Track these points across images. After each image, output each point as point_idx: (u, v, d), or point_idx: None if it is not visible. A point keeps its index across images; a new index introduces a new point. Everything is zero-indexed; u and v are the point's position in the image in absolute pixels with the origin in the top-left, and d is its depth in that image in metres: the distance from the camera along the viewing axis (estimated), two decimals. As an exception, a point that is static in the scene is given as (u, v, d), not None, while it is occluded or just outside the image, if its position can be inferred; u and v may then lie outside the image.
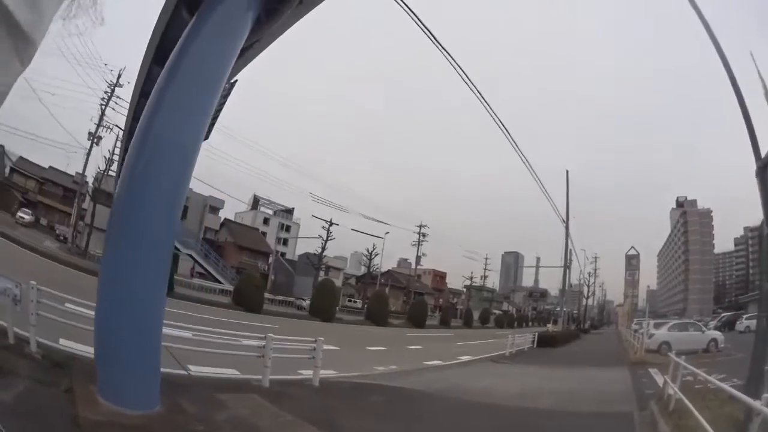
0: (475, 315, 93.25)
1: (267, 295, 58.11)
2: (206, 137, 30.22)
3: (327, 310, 48.37)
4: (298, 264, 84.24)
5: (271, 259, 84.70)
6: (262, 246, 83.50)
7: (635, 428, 12.49)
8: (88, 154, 54.58)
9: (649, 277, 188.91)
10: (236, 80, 30.38)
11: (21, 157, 79.01)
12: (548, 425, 13.38)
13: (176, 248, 57.69)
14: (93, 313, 8.82)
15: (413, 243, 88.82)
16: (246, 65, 15.92)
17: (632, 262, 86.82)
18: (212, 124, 32.80)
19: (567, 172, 60.97)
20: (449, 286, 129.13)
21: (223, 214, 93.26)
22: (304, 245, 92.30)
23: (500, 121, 27.78)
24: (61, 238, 60.05)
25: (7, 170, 77.22)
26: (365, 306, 65.81)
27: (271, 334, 13.01)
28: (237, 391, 11.64)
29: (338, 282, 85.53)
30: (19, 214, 62.05)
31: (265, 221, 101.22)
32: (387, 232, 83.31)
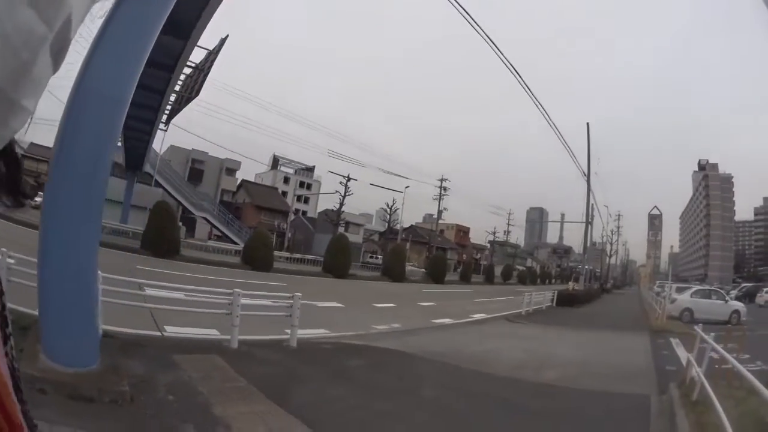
0: (498, 271, 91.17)
1: (284, 253, 59.05)
2: (196, 94, 28.26)
3: (340, 266, 46.76)
4: (318, 222, 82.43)
5: (290, 218, 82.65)
6: (281, 205, 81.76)
7: (650, 419, 10.24)
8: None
9: (671, 239, 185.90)
10: (227, 35, 29.78)
11: (32, 143, 76.50)
12: (542, 406, 11.15)
13: (189, 212, 60.14)
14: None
15: (435, 197, 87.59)
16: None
17: (655, 222, 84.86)
18: (202, 81, 31.36)
19: (587, 124, 59.72)
20: (473, 241, 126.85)
21: (244, 176, 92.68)
22: (326, 203, 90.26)
23: (521, 78, 26.59)
24: None
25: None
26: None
27: (239, 290, 12.27)
28: (202, 351, 11.30)
29: (359, 238, 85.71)
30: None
31: (285, 180, 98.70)
32: (407, 186, 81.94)
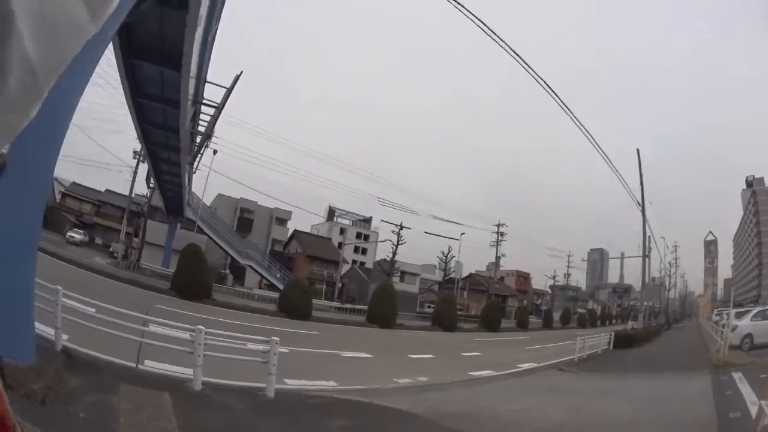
0: (558, 316, 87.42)
1: (334, 303, 58.76)
2: (211, 132, 26.42)
3: (385, 315, 43.39)
4: (372, 272, 79.50)
5: (343, 268, 79.98)
6: (333, 255, 79.07)
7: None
8: (135, 172, 53.63)
9: (727, 265, 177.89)
10: (241, 72, 28.76)
11: (74, 183, 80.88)
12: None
13: (233, 258, 60.41)
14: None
15: (491, 243, 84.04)
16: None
17: (710, 248, 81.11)
18: (216, 118, 29.63)
19: (638, 150, 54.89)
20: (535, 287, 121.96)
21: (301, 227, 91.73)
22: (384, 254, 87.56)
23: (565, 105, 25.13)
24: (114, 254, 58.91)
25: (58, 195, 78.09)
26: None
27: (201, 327, 11.34)
28: (160, 388, 10.36)
29: (415, 288, 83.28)
30: (69, 233, 62.31)
31: (341, 231, 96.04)
32: (462, 233, 79.49)
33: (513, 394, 17.32)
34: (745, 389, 15.38)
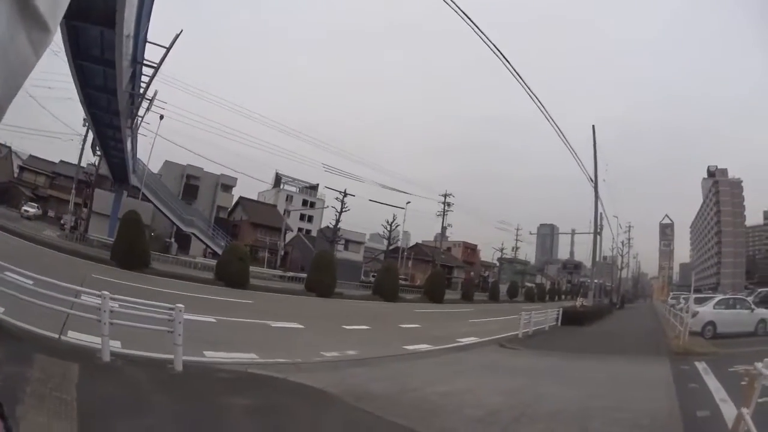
0: (505, 289, 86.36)
1: (276, 271, 59.45)
2: (145, 92, 29.19)
3: (324, 284, 42.11)
4: (317, 240, 78.03)
5: (288, 236, 79.79)
6: (279, 223, 77.52)
7: None
8: (84, 140, 51.73)
9: (682, 249, 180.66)
10: (181, 31, 28.42)
11: (31, 155, 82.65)
12: None
13: (178, 227, 59.74)
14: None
15: (438, 213, 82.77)
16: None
17: (666, 231, 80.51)
18: (153, 76, 29.43)
19: (593, 127, 54.02)
20: (483, 259, 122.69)
21: (249, 195, 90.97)
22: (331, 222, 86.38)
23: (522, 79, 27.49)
24: (64, 226, 57.87)
25: (16, 170, 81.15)
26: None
27: (107, 293, 10.74)
28: (75, 359, 10.01)
29: (359, 256, 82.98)
30: (24, 208, 63.24)
31: (288, 199, 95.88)
32: (408, 202, 78.33)
33: (446, 372, 15.63)
34: (713, 384, 13.87)
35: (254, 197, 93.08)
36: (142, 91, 30.56)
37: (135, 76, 28.65)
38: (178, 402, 9.36)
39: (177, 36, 28.12)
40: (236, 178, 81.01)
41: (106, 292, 10.74)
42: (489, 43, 24.55)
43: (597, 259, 58.23)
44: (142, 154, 54.12)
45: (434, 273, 62.02)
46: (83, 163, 57.02)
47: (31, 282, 11.34)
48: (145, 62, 28.61)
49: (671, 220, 79.78)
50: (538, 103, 31.29)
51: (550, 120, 35.18)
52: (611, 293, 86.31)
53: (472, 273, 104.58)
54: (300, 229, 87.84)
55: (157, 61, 28.29)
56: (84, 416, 7.32)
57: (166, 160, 75.15)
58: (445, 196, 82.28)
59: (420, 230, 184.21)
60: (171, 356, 10.94)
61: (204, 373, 11.58)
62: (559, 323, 33.66)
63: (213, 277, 38.07)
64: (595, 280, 60.56)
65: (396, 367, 15.59)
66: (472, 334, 25.73)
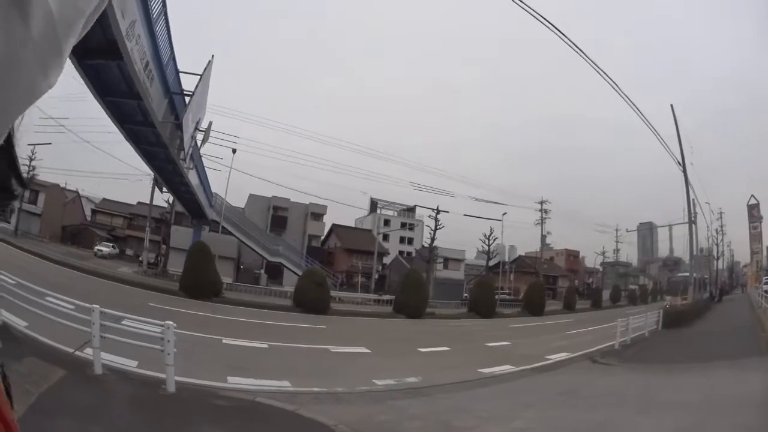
0: (607, 294, 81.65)
1: (370, 295, 56.73)
2: (180, 117, 26.59)
3: (413, 305, 39.55)
4: (415, 261, 75.45)
5: (384, 259, 78.69)
6: (374, 247, 75.09)
7: None
8: (155, 179, 50.28)
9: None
10: (213, 57, 28.77)
11: (104, 199, 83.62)
12: None
13: (262, 256, 59.46)
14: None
15: (536, 222, 79.59)
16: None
17: (753, 212, 74.07)
18: (189, 104, 27.21)
19: (672, 106, 50.20)
20: (588, 265, 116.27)
21: (346, 222, 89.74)
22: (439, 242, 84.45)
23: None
24: (142, 263, 58.36)
25: (88, 213, 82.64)
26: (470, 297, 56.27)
27: (98, 306, 10.58)
28: (65, 368, 10.01)
29: (460, 274, 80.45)
30: (98, 248, 61.91)
31: (386, 223, 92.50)
32: (504, 213, 74.39)
33: (511, 405, 12.75)
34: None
35: (351, 224, 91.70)
36: (182, 119, 29.03)
37: (175, 108, 27.45)
38: (142, 426, 8.94)
39: (209, 63, 28.02)
40: (326, 206, 79.71)
41: (96, 306, 10.71)
42: (569, 42, 23.10)
43: (694, 251, 54.11)
44: (220, 188, 54.08)
45: (532, 285, 58.64)
46: (162, 202, 57.07)
47: (71, 307, 11.37)
48: (185, 93, 27.62)
49: (757, 199, 73.58)
50: (618, 90, 28.40)
51: (632, 105, 32.21)
52: (708, 286, 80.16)
53: (576, 281, 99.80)
54: (401, 252, 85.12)
55: (190, 90, 27.44)
56: (33, 408, 7.43)
57: (250, 194, 74.66)
58: (541, 203, 78.89)
59: (524, 242, 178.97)
60: (159, 375, 10.54)
61: (196, 398, 10.71)
62: (660, 327, 30.50)
63: (291, 303, 36.34)
64: (694, 275, 55.34)
65: (454, 398, 13.05)
66: (564, 349, 23.21)
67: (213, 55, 28.42)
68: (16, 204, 64.43)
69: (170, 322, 10.59)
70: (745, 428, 9.36)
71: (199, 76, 26.93)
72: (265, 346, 17.98)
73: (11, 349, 9.82)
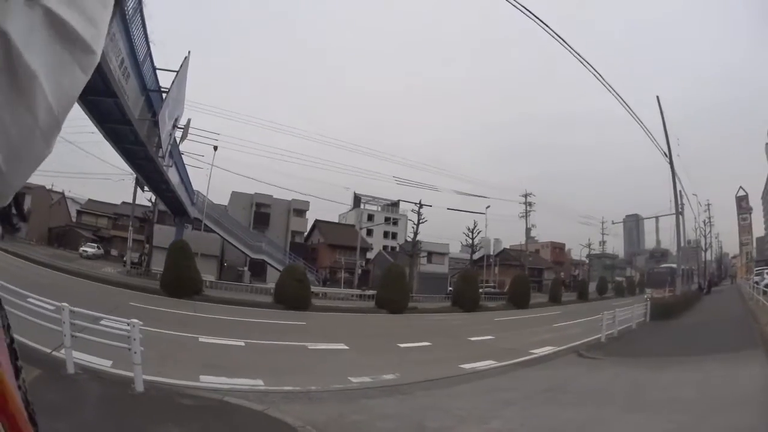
0: (594, 286, 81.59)
1: (353, 290, 55.61)
2: (156, 116, 26.55)
3: (395, 299, 38.96)
4: (398, 256, 74.97)
5: (368, 254, 78.88)
6: (357, 242, 74.39)
7: None
8: (137, 178, 49.60)
9: (757, 223, 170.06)
10: (189, 53, 28.42)
11: (89, 200, 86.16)
12: None
13: (245, 253, 59.13)
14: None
15: (520, 215, 79.20)
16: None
17: (742, 204, 74.50)
18: (165, 101, 27.07)
19: (657, 98, 48.74)
20: (573, 257, 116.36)
21: (329, 218, 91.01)
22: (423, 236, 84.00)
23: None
24: (126, 263, 58.17)
25: (74, 214, 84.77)
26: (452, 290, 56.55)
27: (67, 306, 10.49)
28: (41, 368, 9.77)
29: (444, 268, 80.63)
30: (83, 248, 63.62)
31: (370, 218, 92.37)
32: (488, 206, 76.21)
33: (492, 403, 12.05)
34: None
35: (335, 220, 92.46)
36: (158, 118, 28.46)
37: (152, 105, 27.51)
38: (107, 424, 8.62)
39: (185, 59, 27.79)
40: (308, 202, 79.47)
41: (65, 304, 10.66)
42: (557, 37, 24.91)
43: (681, 242, 53.65)
44: (201, 186, 54.48)
45: (516, 277, 58.04)
46: (146, 202, 57.33)
47: (52, 308, 11.35)
48: (161, 90, 27.59)
49: (745, 191, 73.38)
50: (606, 84, 28.20)
51: (620, 98, 31.99)
52: (698, 278, 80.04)
53: (562, 273, 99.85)
54: (385, 247, 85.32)
55: (167, 87, 27.14)
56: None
57: (233, 191, 74.71)
58: (525, 196, 78.68)
59: (509, 235, 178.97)
60: (124, 372, 10.57)
61: (164, 397, 10.29)
62: (648, 319, 30.02)
63: (272, 300, 35.84)
64: (682, 266, 54.80)
65: (432, 396, 12.42)
66: (549, 343, 22.64)
67: (189, 52, 28.23)
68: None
69: (136, 320, 10.36)
70: (744, 427, 8.75)
71: (175, 73, 26.59)
72: (242, 344, 17.75)
73: None
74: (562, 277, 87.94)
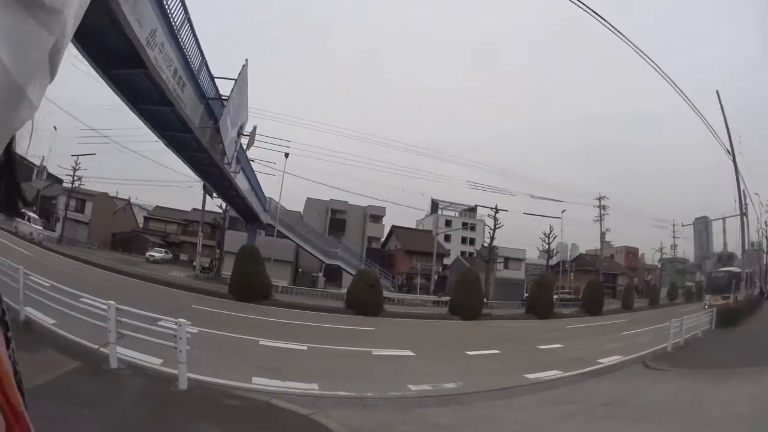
0: (665, 291, 79.20)
1: (429, 297, 55.45)
2: (216, 121, 26.61)
3: (468, 306, 38.24)
4: (475, 261, 73.95)
5: (445, 260, 77.63)
6: (433, 248, 73.86)
7: None
8: (204, 186, 50.27)
9: None
10: (246, 61, 28.17)
11: (157, 206, 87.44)
12: None
13: (319, 259, 59.06)
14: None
15: (595, 219, 78.22)
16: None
17: None
18: (226, 107, 26.98)
19: (717, 92, 47.81)
20: (648, 262, 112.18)
21: (407, 224, 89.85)
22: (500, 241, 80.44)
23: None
24: (195, 267, 59.00)
25: (141, 220, 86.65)
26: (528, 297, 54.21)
27: (113, 303, 10.83)
28: (81, 361, 10.48)
29: (520, 273, 78.47)
30: (149, 253, 65.05)
31: (447, 223, 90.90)
32: (563, 211, 74.78)
33: (551, 417, 11.65)
34: None
35: (413, 226, 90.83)
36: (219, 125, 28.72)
37: (213, 113, 27.45)
38: (139, 419, 8.64)
39: (244, 67, 27.76)
40: (384, 208, 78.92)
41: (112, 302, 10.95)
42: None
43: (745, 245, 51.08)
44: (274, 192, 55.84)
45: (590, 284, 56.24)
46: (217, 208, 58.04)
47: (105, 308, 11.26)
48: (221, 97, 27.52)
49: None
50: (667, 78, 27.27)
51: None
52: (759, 282, 76.01)
53: (635, 279, 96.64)
54: (463, 253, 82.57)
55: (227, 95, 27.27)
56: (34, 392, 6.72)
57: (308, 198, 74.71)
58: (599, 199, 77.40)
59: (585, 239, 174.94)
60: (167, 369, 10.87)
61: (208, 396, 10.36)
62: (713, 326, 29.05)
63: (344, 305, 35.76)
64: (746, 270, 52.39)
65: (491, 407, 12.12)
66: (617, 352, 22.01)
67: (247, 59, 28.21)
68: (60, 212, 66.13)
69: (183, 320, 10.41)
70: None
71: (234, 81, 26.84)
72: (305, 348, 17.62)
73: (28, 343, 10.40)
74: (634, 283, 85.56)
